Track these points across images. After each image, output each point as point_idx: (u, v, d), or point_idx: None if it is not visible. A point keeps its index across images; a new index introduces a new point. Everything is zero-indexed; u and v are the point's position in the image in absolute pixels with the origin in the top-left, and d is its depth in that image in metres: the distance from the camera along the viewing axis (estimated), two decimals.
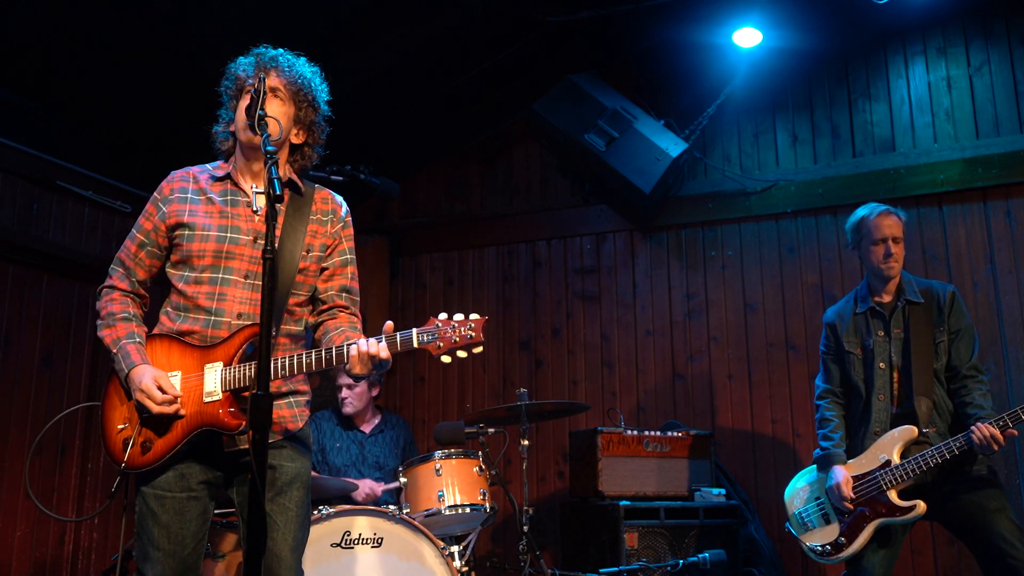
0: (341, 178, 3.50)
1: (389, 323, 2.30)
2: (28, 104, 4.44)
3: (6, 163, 4.40)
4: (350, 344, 2.28)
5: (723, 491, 4.38)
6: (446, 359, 2.27)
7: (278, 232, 2.42)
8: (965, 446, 3.17)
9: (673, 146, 4.99)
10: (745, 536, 4.55)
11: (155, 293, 2.59)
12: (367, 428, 4.54)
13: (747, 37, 5.06)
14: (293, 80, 2.45)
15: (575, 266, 5.60)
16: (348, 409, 4.48)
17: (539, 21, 4.93)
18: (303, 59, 2.53)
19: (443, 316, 2.28)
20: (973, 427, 3.15)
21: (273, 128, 2.31)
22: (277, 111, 2.39)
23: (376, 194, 3.68)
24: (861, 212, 3.62)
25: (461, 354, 2.27)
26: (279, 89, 2.43)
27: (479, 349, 2.27)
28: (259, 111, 2.26)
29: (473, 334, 2.26)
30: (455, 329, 2.26)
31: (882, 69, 5.08)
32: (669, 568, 3.95)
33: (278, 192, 2.06)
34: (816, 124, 5.18)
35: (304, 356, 2.32)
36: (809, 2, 4.94)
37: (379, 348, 2.26)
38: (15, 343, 4.46)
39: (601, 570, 3.89)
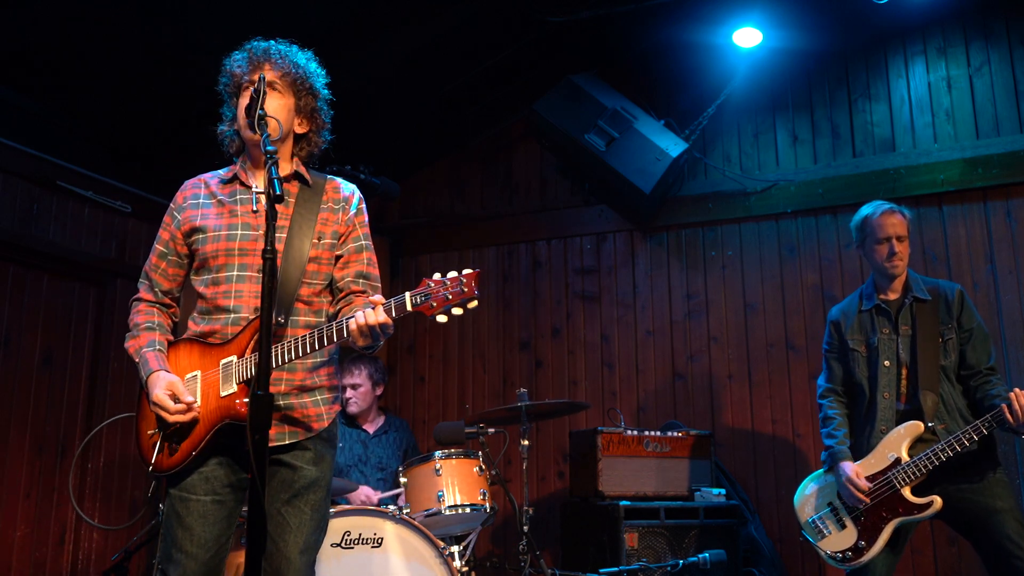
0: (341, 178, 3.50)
1: (377, 297, 2.24)
2: (28, 104, 4.44)
3: (6, 163, 4.40)
4: (348, 318, 2.24)
5: (723, 491, 4.38)
6: (442, 318, 2.18)
7: (287, 224, 2.43)
8: (985, 431, 3.12)
9: (673, 146, 4.99)
10: (745, 536, 4.55)
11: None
12: (371, 428, 4.55)
13: (747, 37, 5.06)
14: (288, 71, 2.45)
15: (575, 266, 5.60)
16: (352, 408, 4.49)
17: (539, 21, 4.93)
18: (295, 48, 2.53)
19: (436, 276, 2.20)
20: (1012, 395, 3.07)
21: (273, 127, 2.31)
22: (276, 105, 2.40)
23: (376, 194, 3.68)
24: (865, 211, 3.57)
25: (456, 311, 2.18)
26: (275, 82, 2.43)
27: (473, 303, 2.17)
28: (259, 111, 2.25)
29: (466, 289, 2.16)
30: (447, 287, 2.17)
31: (882, 69, 5.08)
32: (669, 568, 3.95)
33: (278, 192, 2.06)
34: (816, 124, 5.18)
35: (301, 339, 2.28)
36: (809, 2, 4.94)
37: (378, 316, 2.19)
38: (15, 343, 4.46)
39: (601, 570, 3.89)
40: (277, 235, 2.37)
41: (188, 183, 2.57)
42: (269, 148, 2.17)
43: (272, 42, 2.50)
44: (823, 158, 5.12)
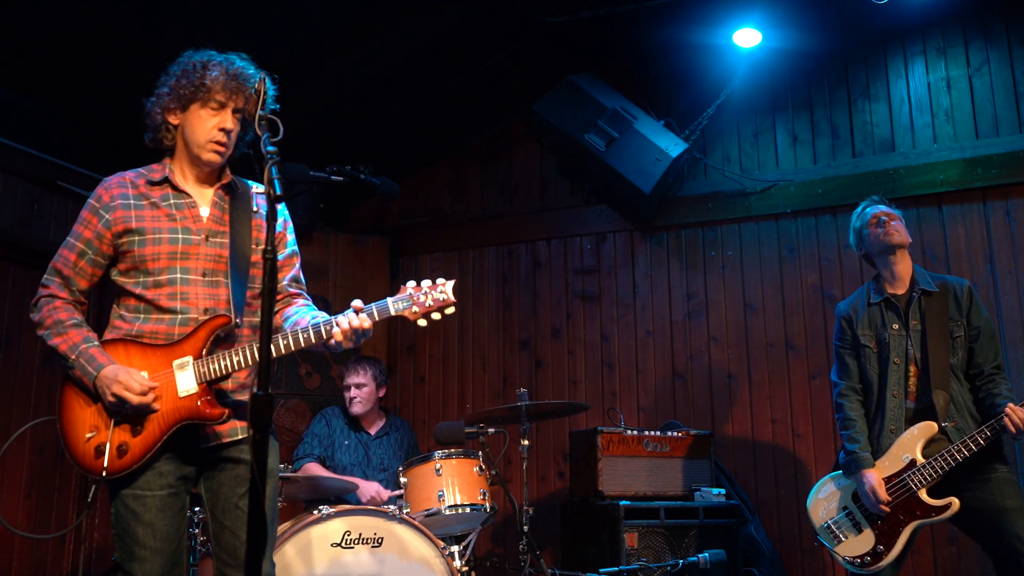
0: (341, 178, 3.50)
1: (357, 301, 2.37)
2: (28, 104, 4.44)
3: (6, 163, 4.40)
4: (337, 318, 2.34)
5: (723, 491, 4.38)
6: (422, 322, 2.39)
7: (227, 230, 2.48)
8: (997, 431, 3.12)
9: (673, 146, 5.00)
10: (745, 536, 4.55)
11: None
12: (373, 430, 4.55)
13: (747, 37, 5.07)
14: (251, 111, 2.39)
15: (575, 266, 5.60)
16: (356, 409, 4.49)
17: (539, 21, 4.93)
18: (269, 81, 2.43)
19: (412, 283, 2.41)
20: (1007, 409, 3.09)
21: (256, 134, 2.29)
22: (234, 130, 2.46)
23: (376, 194, 3.67)
24: (856, 212, 3.67)
25: (436, 316, 2.39)
26: (242, 110, 2.45)
27: (452, 310, 2.40)
28: (260, 110, 2.21)
29: (445, 295, 2.39)
30: (427, 294, 2.39)
31: (882, 69, 5.08)
32: (669, 568, 3.95)
33: (279, 192, 2.05)
34: (816, 124, 5.19)
35: (286, 336, 2.35)
36: (809, 2, 4.95)
37: (361, 321, 2.34)
38: (15, 343, 4.46)
39: (601, 570, 3.89)
40: (219, 240, 2.46)
41: (112, 181, 2.52)
42: (269, 148, 2.15)
43: (251, 68, 2.48)
44: (823, 158, 5.13)
